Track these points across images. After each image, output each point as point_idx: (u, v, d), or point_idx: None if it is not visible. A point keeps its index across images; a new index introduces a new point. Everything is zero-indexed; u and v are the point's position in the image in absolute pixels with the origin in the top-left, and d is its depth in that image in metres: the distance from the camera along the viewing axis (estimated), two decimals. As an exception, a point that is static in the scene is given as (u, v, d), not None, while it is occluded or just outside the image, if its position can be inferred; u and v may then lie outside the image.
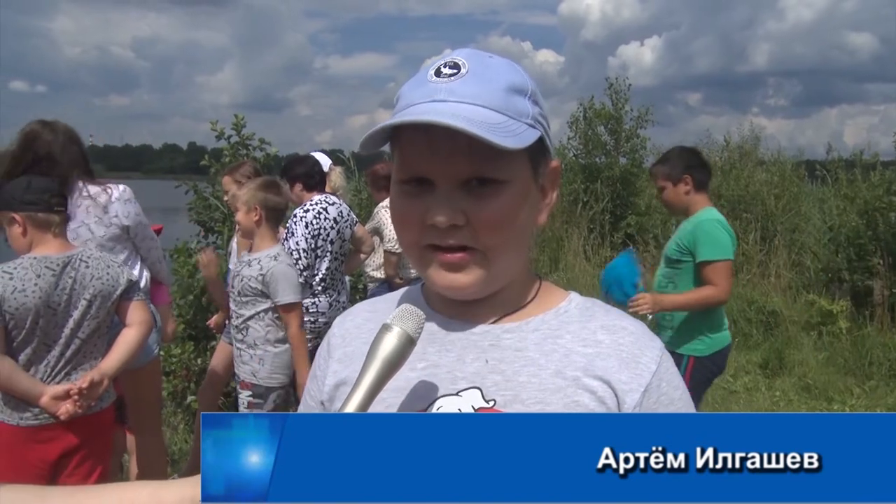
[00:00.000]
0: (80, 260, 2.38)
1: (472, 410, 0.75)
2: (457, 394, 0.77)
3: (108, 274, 2.43)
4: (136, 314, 2.50)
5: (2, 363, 2.21)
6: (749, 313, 6.84)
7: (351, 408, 0.68)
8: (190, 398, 4.21)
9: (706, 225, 3.08)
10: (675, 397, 0.78)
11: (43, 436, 2.30)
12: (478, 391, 0.76)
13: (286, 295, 2.88)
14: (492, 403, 0.75)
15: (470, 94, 0.74)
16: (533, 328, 0.80)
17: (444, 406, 0.76)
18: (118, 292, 2.44)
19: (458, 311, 0.82)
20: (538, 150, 0.79)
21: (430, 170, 0.75)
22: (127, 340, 2.46)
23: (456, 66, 0.77)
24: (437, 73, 0.77)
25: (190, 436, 4.06)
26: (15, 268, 2.27)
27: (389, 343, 0.70)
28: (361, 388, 0.69)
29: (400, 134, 0.77)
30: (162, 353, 4.19)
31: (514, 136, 0.73)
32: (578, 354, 0.77)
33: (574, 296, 0.85)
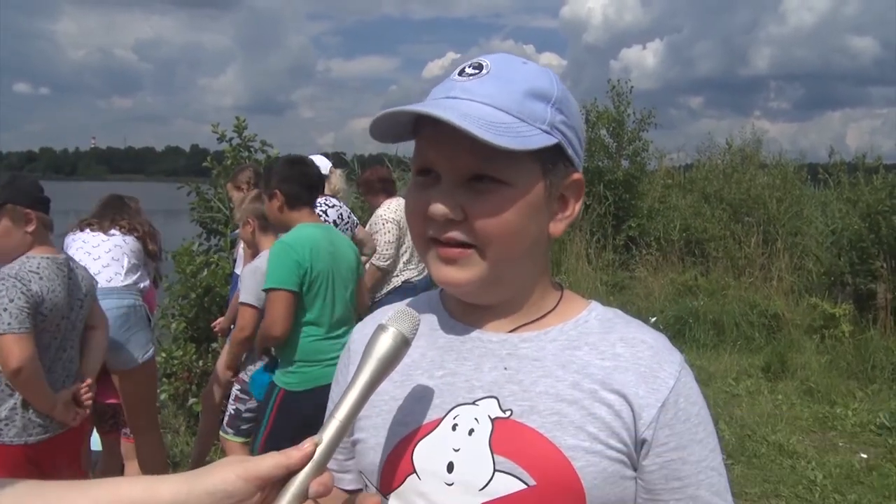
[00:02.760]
0: (70, 261, 2.34)
1: (488, 419, 0.75)
2: (473, 403, 0.76)
3: (87, 274, 2.42)
4: (98, 314, 2.48)
5: (39, 368, 2.10)
6: (751, 316, 6.82)
7: (346, 405, 0.68)
8: (191, 400, 4.19)
9: (275, 247, 2.60)
10: (692, 413, 0.77)
11: (37, 453, 2.17)
12: (494, 400, 0.76)
13: (244, 294, 2.95)
14: (508, 413, 0.75)
15: (484, 93, 0.75)
16: (551, 338, 0.80)
17: (461, 415, 0.76)
18: (94, 292, 2.43)
19: (476, 319, 0.82)
20: (554, 157, 0.77)
21: (436, 162, 0.76)
22: (99, 341, 2.44)
23: (479, 66, 0.77)
24: (461, 72, 0.78)
25: (191, 438, 4.05)
26: (38, 267, 2.15)
27: (384, 343, 0.71)
28: (356, 386, 0.69)
29: (418, 128, 0.78)
30: (163, 354, 4.19)
31: (517, 137, 0.72)
32: (596, 367, 0.77)
33: (595, 306, 0.85)
